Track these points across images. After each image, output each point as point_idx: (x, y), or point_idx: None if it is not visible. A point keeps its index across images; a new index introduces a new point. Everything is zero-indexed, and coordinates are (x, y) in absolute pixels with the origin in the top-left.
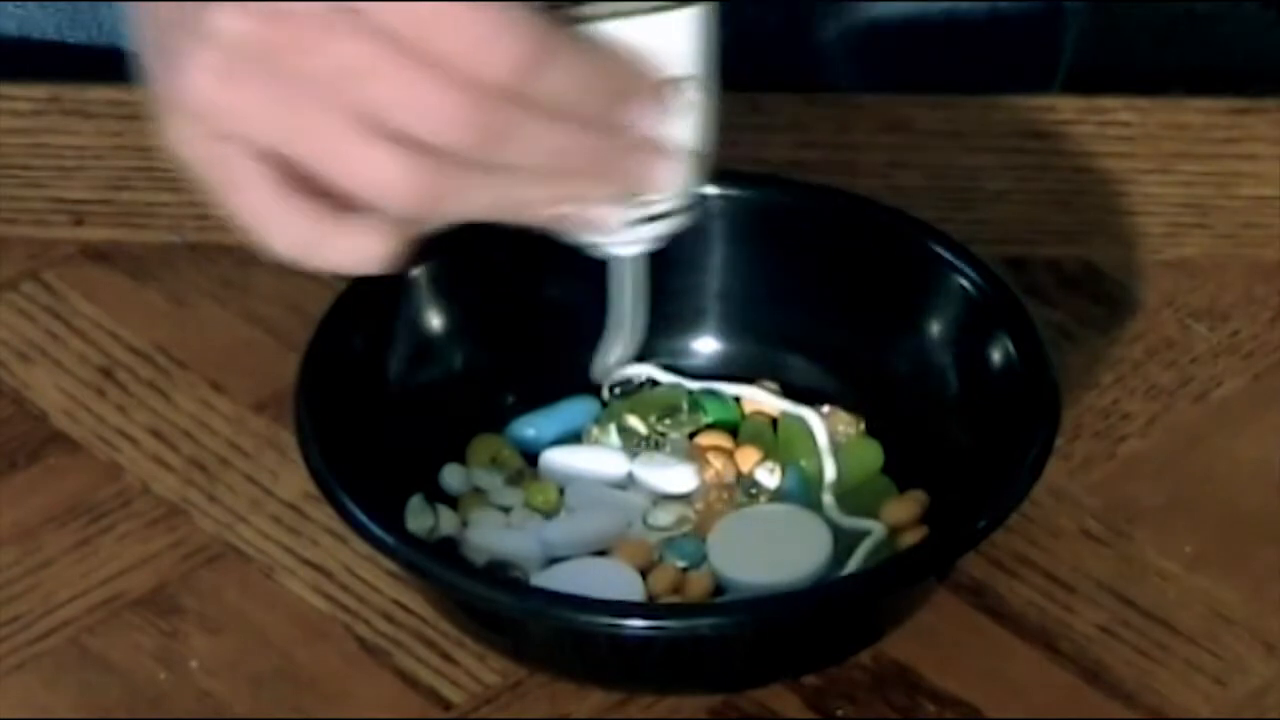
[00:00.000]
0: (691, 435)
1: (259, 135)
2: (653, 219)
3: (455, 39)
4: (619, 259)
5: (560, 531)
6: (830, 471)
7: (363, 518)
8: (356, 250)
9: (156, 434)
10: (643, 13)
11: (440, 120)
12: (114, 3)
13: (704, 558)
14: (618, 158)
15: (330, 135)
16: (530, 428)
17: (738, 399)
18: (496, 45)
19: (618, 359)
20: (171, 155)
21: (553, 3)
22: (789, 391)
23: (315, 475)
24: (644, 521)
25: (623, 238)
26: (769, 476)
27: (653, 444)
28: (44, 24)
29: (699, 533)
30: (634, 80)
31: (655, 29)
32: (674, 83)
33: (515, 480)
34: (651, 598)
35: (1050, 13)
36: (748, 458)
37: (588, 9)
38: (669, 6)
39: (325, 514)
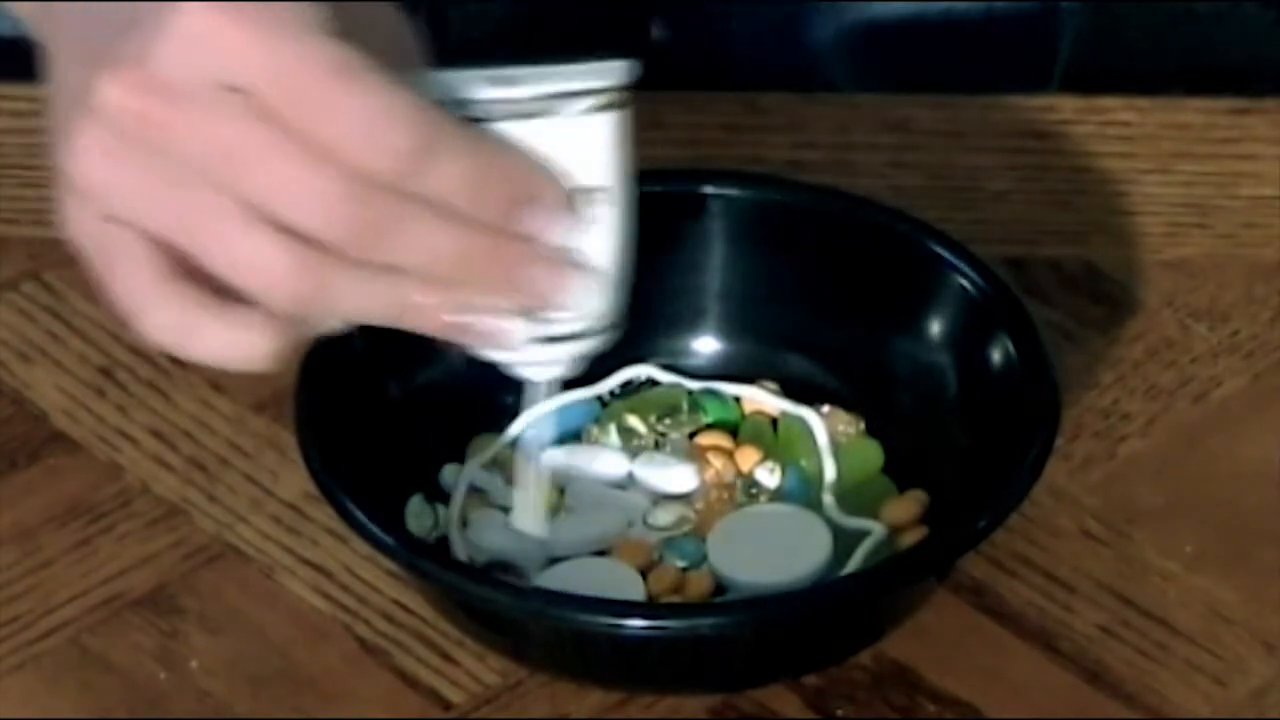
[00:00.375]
0: (691, 435)
1: (140, 217)
2: (560, 339)
3: (340, 126)
4: (531, 383)
5: (560, 531)
6: (830, 471)
7: (363, 518)
8: (233, 345)
9: (156, 434)
10: (550, 114)
11: (319, 210)
12: None
13: (704, 558)
14: (514, 267)
15: (210, 220)
16: (530, 428)
17: (738, 399)
18: (382, 134)
19: (532, 517)
20: (65, 235)
21: (455, 99)
22: (789, 391)
23: (315, 475)
24: (644, 521)
25: (530, 358)
26: (769, 476)
27: (653, 444)
28: None
29: (699, 533)
30: (535, 185)
31: (564, 133)
32: (583, 193)
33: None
34: (651, 598)
35: (1047, 12)
36: (748, 458)
37: (493, 108)
38: (581, 112)
39: (325, 514)
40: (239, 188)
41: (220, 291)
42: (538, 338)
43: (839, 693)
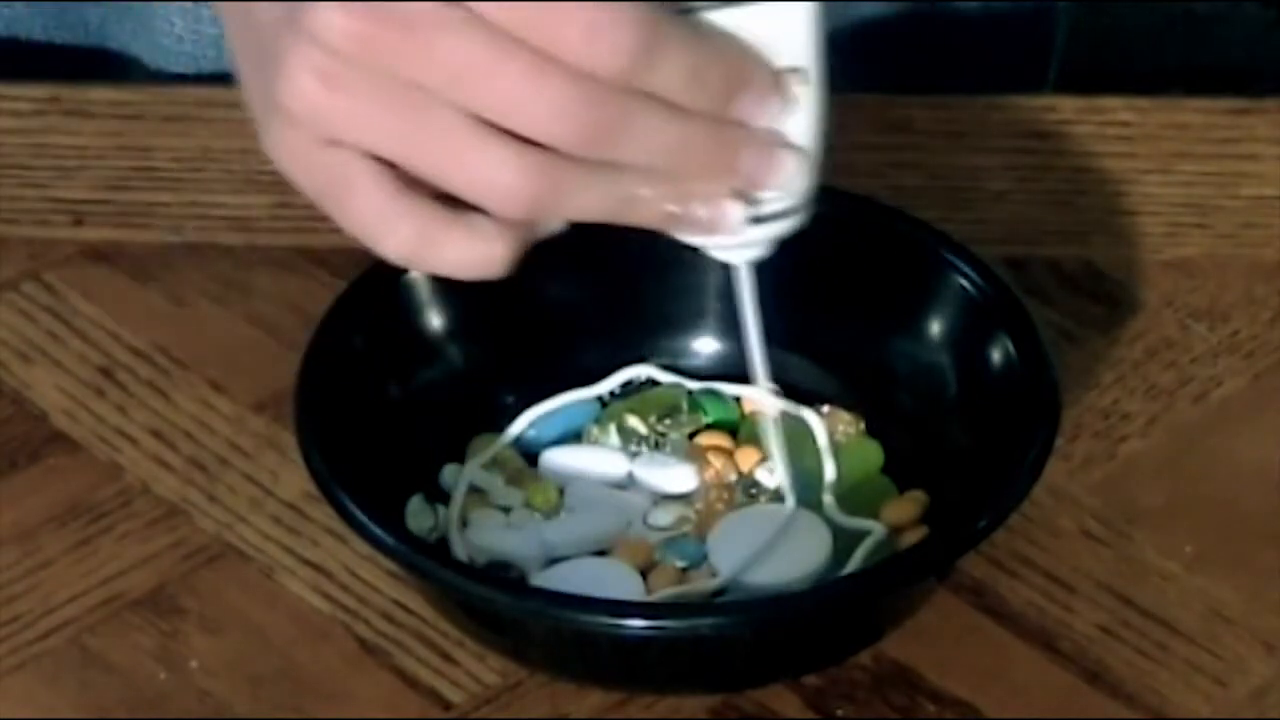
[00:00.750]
0: (691, 435)
1: (366, 139)
2: (766, 219)
3: (565, 33)
4: (735, 266)
5: (560, 531)
6: (830, 471)
7: (363, 518)
8: (470, 253)
9: (156, 434)
10: (753, 2)
11: (552, 117)
12: (101, 3)
13: (704, 558)
14: (733, 152)
15: (440, 137)
16: (530, 428)
17: (738, 399)
18: (607, 37)
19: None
20: (272, 161)
21: None
22: (789, 391)
23: (315, 475)
24: (644, 521)
25: (736, 240)
26: (769, 476)
27: (653, 444)
28: (30, 24)
29: (699, 533)
30: (748, 71)
31: (769, 18)
32: (789, 75)
33: (515, 480)
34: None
35: (1042, 11)
36: (748, 458)
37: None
38: None
39: (325, 514)
40: (468, 102)
41: (449, 201)
42: (749, 219)
43: (839, 693)
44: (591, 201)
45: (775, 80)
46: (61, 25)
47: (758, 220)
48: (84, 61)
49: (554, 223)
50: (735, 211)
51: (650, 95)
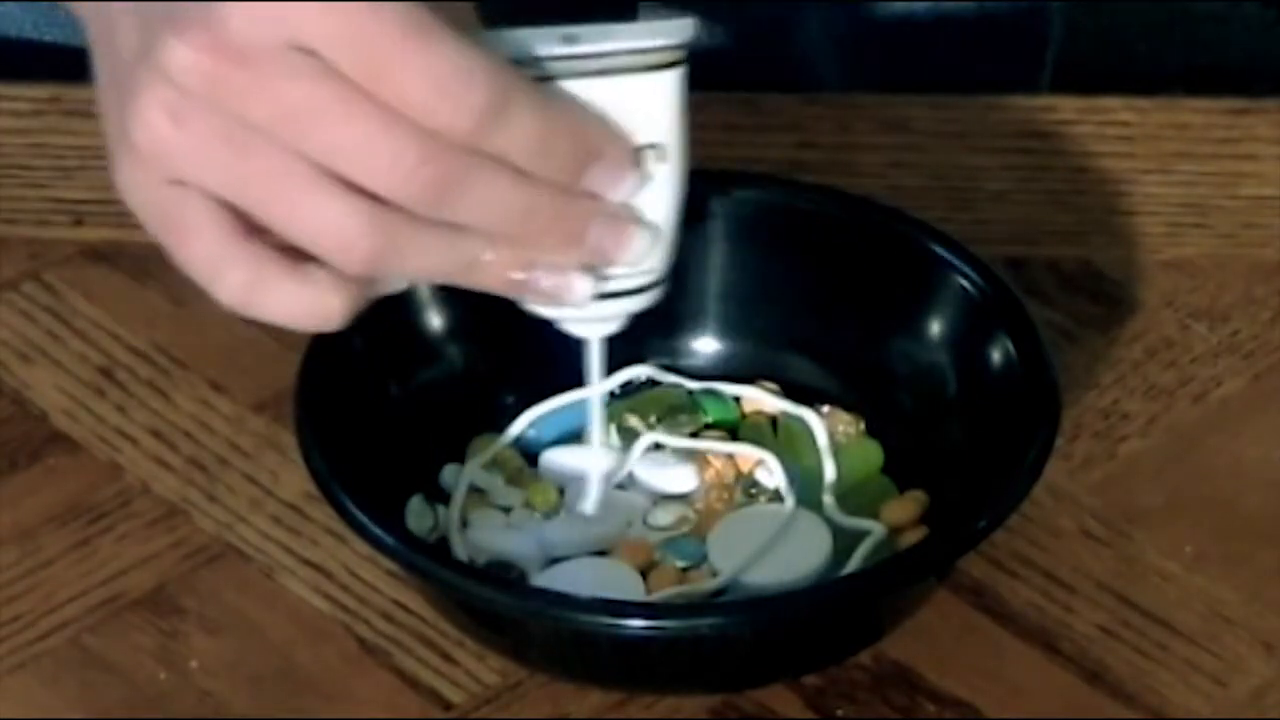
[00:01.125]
0: (692, 435)
1: (208, 180)
2: (616, 295)
3: (413, 87)
4: (586, 340)
5: (560, 531)
6: (830, 471)
7: (363, 518)
8: (302, 304)
9: (156, 434)
10: (616, 73)
11: (392, 170)
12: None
13: (704, 558)
14: (581, 224)
15: (280, 182)
16: (530, 428)
17: (738, 399)
18: (455, 95)
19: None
20: (121, 197)
21: (522, 57)
22: (789, 391)
23: (315, 475)
24: (644, 521)
25: (587, 314)
26: (769, 476)
27: (653, 444)
28: (21, 22)
29: (699, 533)
30: (601, 143)
31: (628, 91)
32: (645, 149)
33: (515, 480)
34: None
35: (1036, 11)
36: (748, 458)
37: (559, 65)
38: (644, 69)
39: (325, 514)
40: (309, 149)
41: (288, 251)
42: (597, 294)
43: (839, 693)
44: (432, 261)
45: (630, 155)
46: (51, 24)
47: (607, 295)
48: (73, 61)
49: (395, 280)
50: (582, 285)
51: (497, 159)
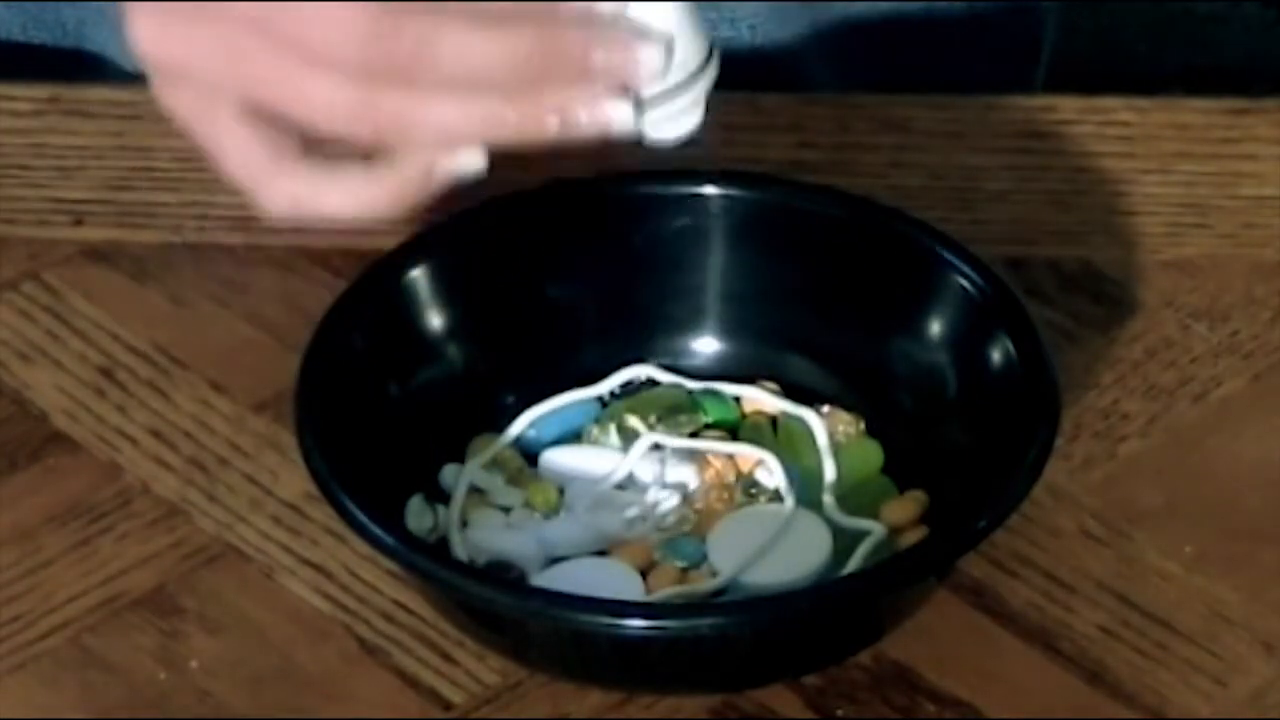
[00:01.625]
0: (691, 435)
1: (220, 81)
2: (668, 95)
3: None
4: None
5: (560, 531)
6: (830, 471)
7: (363, 518)
8: (357, 198)
9: (156, 434)
10: None
11: (348, 40)
12: (79, 4)
13: (704, 558)
14: (580, 53)
15: (274, 70)
16: (530, 428)
17: (738, 399)
18: None
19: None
20: (175, 121)
21: None
22: (789, 391)
23: (315, 475)
24: (644, 521)
25: (662, 115)
26: (769, 476)
27: (653, 444)
28: (10, 24)
29: (699, 533)
30: None
31: None
32: None
33: (515, 480)
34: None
35: (1029, 11)
36: (748, 458)
37: None
38: None
39: (325, 514)
40: (284, 35)
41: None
42: (650, 103)
43: (839, 693)
44: (450, 123)
45: None
46: (40, 26)
47: (660, 100)
48: (62, 62)
49: (430, 150)
50: (619, 108)
51: (469, 13)
